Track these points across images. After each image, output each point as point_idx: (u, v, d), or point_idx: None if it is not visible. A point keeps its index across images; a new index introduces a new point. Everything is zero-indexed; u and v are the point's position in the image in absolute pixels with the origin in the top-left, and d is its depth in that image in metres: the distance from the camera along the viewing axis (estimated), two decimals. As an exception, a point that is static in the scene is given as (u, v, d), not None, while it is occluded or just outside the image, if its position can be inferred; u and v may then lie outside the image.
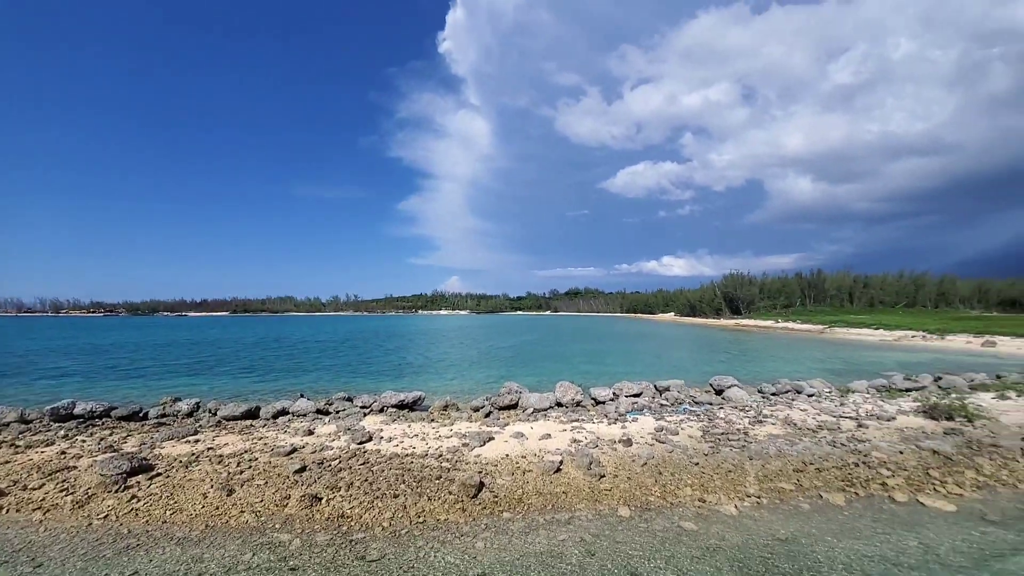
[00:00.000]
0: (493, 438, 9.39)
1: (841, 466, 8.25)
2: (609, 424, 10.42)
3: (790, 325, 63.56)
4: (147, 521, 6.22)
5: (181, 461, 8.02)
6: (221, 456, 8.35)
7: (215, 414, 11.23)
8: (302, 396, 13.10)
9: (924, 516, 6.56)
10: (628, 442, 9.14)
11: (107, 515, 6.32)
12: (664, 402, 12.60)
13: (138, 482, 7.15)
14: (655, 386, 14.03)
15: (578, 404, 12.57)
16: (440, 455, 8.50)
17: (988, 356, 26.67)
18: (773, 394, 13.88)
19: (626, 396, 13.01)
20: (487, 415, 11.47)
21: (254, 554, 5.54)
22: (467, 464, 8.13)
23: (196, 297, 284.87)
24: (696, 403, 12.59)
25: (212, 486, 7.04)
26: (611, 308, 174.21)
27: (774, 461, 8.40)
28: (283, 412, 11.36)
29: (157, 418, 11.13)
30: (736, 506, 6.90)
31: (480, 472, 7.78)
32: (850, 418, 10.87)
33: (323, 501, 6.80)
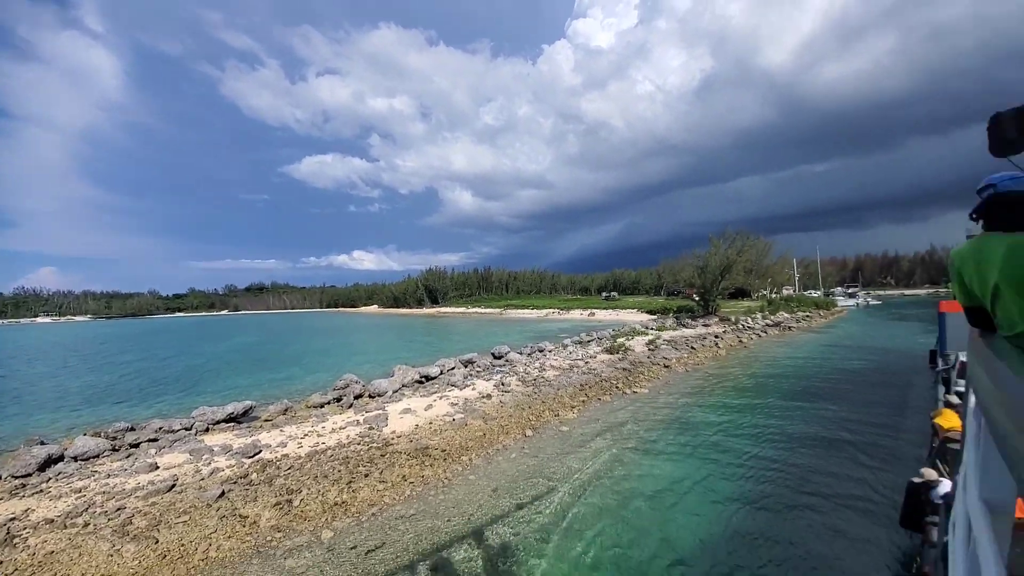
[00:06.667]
0: (387, 418, 10.29)
1: (596, 383, 14.13)
2: (461, 389, 12.97)
3: (479, 310, 79.87)
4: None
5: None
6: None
7: None
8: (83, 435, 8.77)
9: (639, 397, 12.86)
10: (488, 397, 12.13)
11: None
12: (479, 369, 16.09)
13: None
14: (460, 360, 17.28)
15: (416, 381, 14.30)
16: (358, 441, 8.92)
17: (594, 321, 44.20)
18: (529, 354, 19.80)
19: (448, 370, 15.70)
20: (349, 406, 11.67)
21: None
22: (392, 440, 9.06)
23: None
24: (497, 367, 16.73)
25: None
26: (310, 304, 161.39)
27: (568, 388, 13.40)
28: (54, 460, 7.73)
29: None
30: (571, 415, 11.22)
31: (411, 441, 8.99)
32: (579, 359, 17.62)
33: (294, 503, 6.57)
